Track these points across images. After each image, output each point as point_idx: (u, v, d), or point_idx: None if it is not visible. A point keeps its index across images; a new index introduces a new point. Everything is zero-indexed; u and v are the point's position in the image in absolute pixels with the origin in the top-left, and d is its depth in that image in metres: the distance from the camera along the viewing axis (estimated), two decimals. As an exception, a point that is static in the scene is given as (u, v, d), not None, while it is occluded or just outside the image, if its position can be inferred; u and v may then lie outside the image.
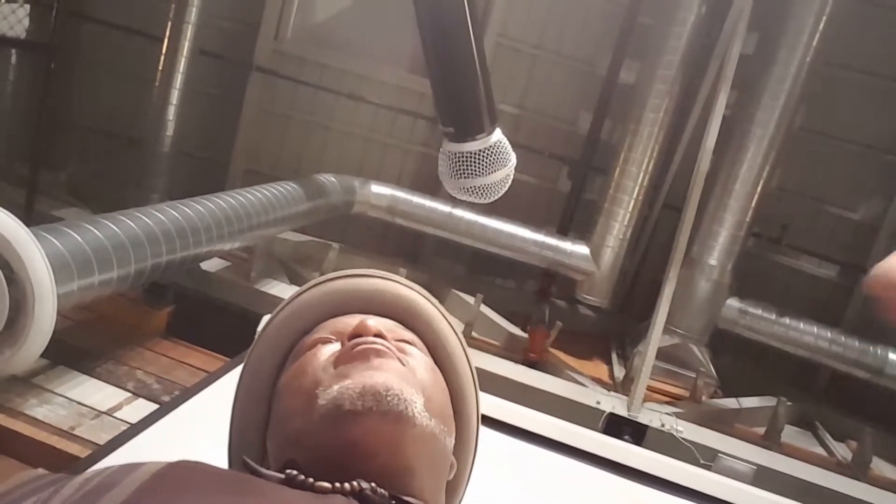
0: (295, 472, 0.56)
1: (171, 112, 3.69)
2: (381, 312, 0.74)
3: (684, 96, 3.60)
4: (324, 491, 0.54)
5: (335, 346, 0.68)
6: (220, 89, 4.38)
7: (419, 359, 0.69)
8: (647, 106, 3.57)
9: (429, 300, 0.79)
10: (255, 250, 3.27)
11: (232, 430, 0.77)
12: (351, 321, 0.70)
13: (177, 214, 2.24)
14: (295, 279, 3.46)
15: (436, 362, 0.73)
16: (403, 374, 0.64)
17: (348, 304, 0.75)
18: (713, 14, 3.47)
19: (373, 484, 0.56)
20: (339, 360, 0.65)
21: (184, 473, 0.52)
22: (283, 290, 3.28)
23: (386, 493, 0.56)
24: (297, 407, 0.64)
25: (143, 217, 2.09)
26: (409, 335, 0.73)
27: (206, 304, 3.15)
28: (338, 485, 0.55)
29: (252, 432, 0.72)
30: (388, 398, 0.60)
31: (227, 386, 1.50)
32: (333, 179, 3.48)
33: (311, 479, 0.55)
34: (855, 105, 3.90)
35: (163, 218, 2.16)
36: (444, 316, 0.79)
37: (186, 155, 3.99)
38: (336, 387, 0.61)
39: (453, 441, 0.69)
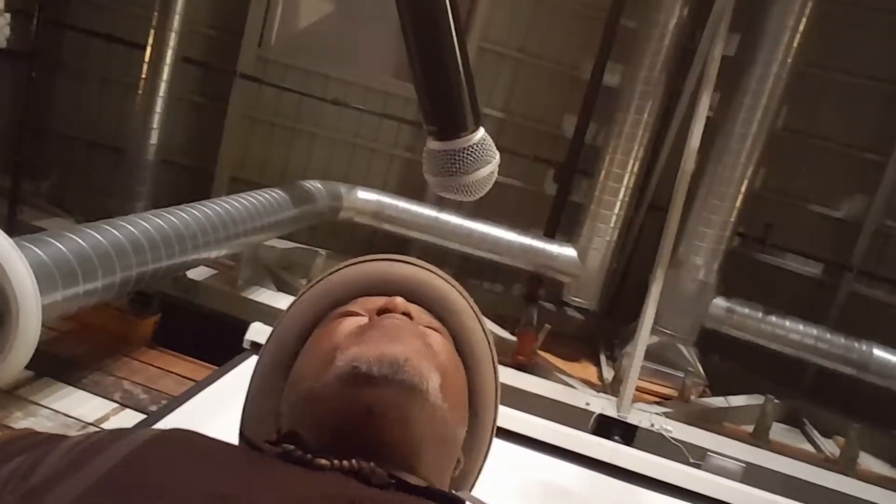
0: (293, 447, 0.55)
1: (155, 120, 3.67)
2: (413, 299, 0.72)
3: (668, 98, 3.63)
4: (321, 468, 0.53)
5: (362, 320, 0.68)
6: (204, 97, 4.37)
7: (441, 342, 0.68)
8: (630, 108, 3.59)
9: (463, 295, 0.78)
10: (241, 258, 3.26)
11: (247, 402, 0.76)
12: (381, 300, 0.70)
13: (161, 223, 2.22)
14: (282, 286, 3.45)
15: (461, 357, 0.72)
16: (423, 352, 0.63)
17: (382, 287, 0.74)
18: (695, 16, 3.50)
19: (372, 464, 0.55)
20: (363, 330, 0.64)
21: (176, 442, 0.52)
22: (269, 297, 3.26)
23: (385, 474, 0.55)
24: (314, 367, 0.63)
25: (128, 226, 2.08)
26: (437, 324, 0.72)
27: (192, 312, 3.13)
28: (336, 462, 0.54)
29: (268, 402, 0.71)
30: (406, 368, 0.59)
31: (217, 393, 1.49)
32: (319, 186, 3.47)
33: (309, 455, 0.54)
34: (835, 104, 3.94)
35: (147, 226, 2.14)
36: (476, 314, 0.78)
37: (171, 163, 3.97)
38: (354, 349, 0.60)
39: (464, 434, 0.68)
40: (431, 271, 0.78)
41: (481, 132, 0.88)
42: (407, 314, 0.67)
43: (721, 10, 3.24)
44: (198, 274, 3.29)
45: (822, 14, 3.30)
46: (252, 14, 4.26)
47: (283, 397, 0.67)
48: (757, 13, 3.35)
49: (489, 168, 0.87)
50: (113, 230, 2.00)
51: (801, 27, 3.28)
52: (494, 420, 0.77)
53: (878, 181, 3.91)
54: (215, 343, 1.91)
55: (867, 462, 3.21)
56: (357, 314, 0.68)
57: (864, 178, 3.98)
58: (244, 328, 1.68)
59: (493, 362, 0.77)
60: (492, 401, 0.76)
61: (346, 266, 0.78)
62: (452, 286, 0.78)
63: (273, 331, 0.77)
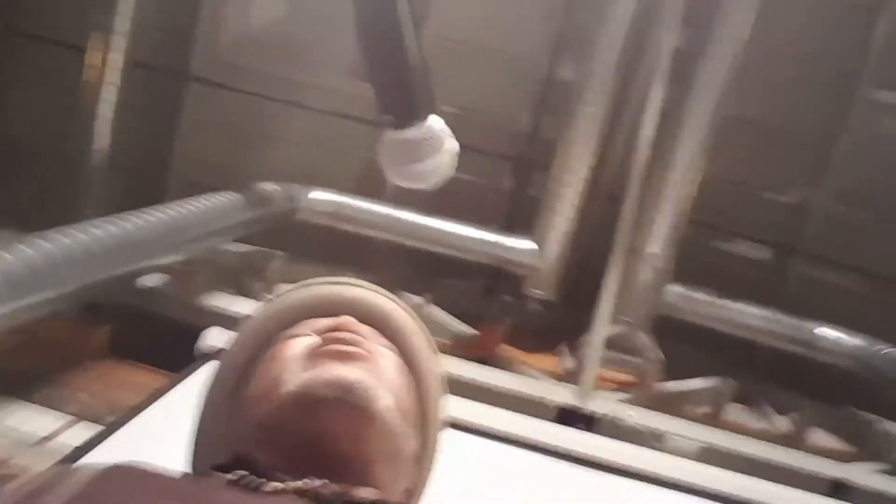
0: (244, 473, 0.55)
1: (104, 126, 3.59)
2: (361, 320, 0.75)
3: (622, 90, 3.67)
4: (273, 491, 0.54)
5: (312, 341, 0.69)
6: (155, 101, 4.28)
7: (391, 361, 0.70)
8: (584, 101, 3.63)
9: (409, 314, 0.82)
10: (196, 263, 3.21)
11: (198, 430, 0.76)
12: (330, 321, 0.72)
13: (113, 229, 2.18)
14: (240, 290, 3.40)
15: (409, 374, 0.74)
16: (374, 372, 0.66)
17: (329, 309, 0.77)
18: (646, 9, 3.55)
19: (325, 480, 0.56)
20: (313, 352, 0.65)
21: (121, 479, 0.51)
22: (228, 302, 3.22)
23: (339, 490, 0.56)
24: (265, 392, 0.64)
25: (77, 233, 2.03)
26: (385, 342, 0.74)
27: (148, 320, 3.07)
28: (289, 484, 0.55)
29: (218, 428, 0.72)
30: (357, 391, 0.61)
31: (173, 401, 1.47)
32: (276, 187, 3.44)
33: (261, 479, 0.55)
34: (782, 93, 4.04)
35: (98, 233, 2.10)
36: (422, 332, 0.81)
37: (122, 170, 3.88)
38: (306, 374, 0.62)
39: (415, 447, 0.70)
40: (377, 292, 0.81)
41: (435, 121, 0.90)
42: (356, 334, 0.68)
43: (672, 3, 3.29)
44: (152, 281, 3.23)
45: (771, 4, 3.38)
46: (204, 15, 4.18)
47: (234, 423, 0.68)
48: (707, 5, 3.41)
49: (443, 156, 0.89)
50: (62, 238, 1.96)
51: (751, 18, 3.37)
52: (440, 431, 0.80)
53: (824, 167, 4.02)
54: (172, 351, 1.88)
55: (818, 438, 3.32)
56: (306, 335, 0.69)
57: (810, 164, 4.09)
58: (201, 334, 1.67)
59: (439, 378, 0.80)
60: (438, 414, 0.79)
61: (292, 290, 0.80)
62: (398, 305, 0.82)
63: (221, 357, 0.78)
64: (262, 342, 0.73)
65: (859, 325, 3.63)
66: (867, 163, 3.99)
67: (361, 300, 0.78)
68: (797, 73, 4.00)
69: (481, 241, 3.75)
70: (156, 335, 2.97)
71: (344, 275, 0.83)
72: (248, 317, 0.80)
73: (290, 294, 0.78)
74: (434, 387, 0.77)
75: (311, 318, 0.74)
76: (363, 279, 0.81)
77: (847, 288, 4.04)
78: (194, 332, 1.67)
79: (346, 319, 0.69)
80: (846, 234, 4.04)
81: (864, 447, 3.30)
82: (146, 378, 2.77)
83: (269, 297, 0.82)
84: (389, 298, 0.80)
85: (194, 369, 1.55)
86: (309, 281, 0.81)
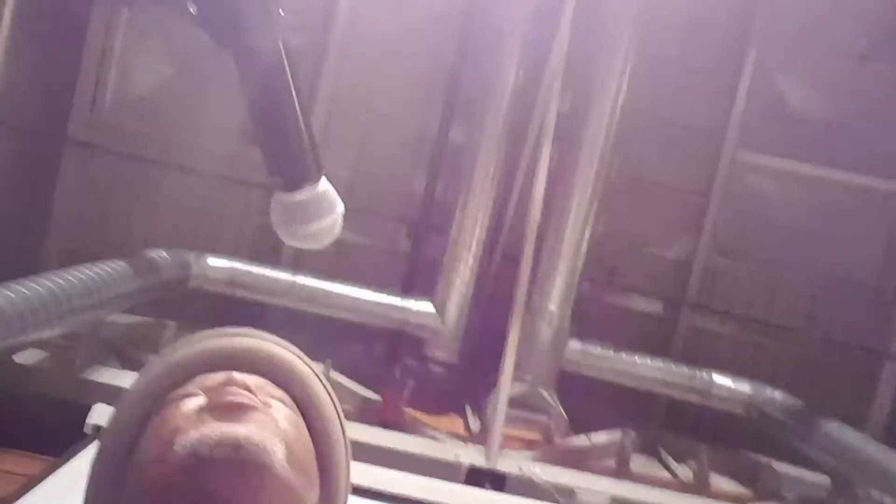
0: None
1: (-28, 193, 3.36)
2: (252, 371, 0.72)
3: (512, 152, 3.81)
4: None
5: (201, 400, 0.65)
6: (30, 165, 4.04)
7: (283, 412, 0.68)
8: (477, 163, 3.74)
9: (304, 360, 0.78)
10: (79, 336, 3.00)
11: (86, 498, 0.71)
12: (219, 377, 0.68)
13: (-18, 302, 2.01)
14: (127, 363, 3.20)
15: (307, 422, 0.72)
16: (266, 424, 0.63)
17: (220, 363, 0.73)
18: (530, 76, 3.72)
19: None
20: (202, 411, 0.63)
21: None
22: (113, 375, 3.02)
23: None
24: (154, 455, 0.61)
25: (-59, 308, 1.85)
26: (278, 393, 0.71)
27: (23, 400, 2.82)
28: None
29: (107, 495, 0.67)
30: (248, 447, 0.59)
31: (54, 488, 1.34)
32: (165, 255, 3.29)
33: None
34: (660, 152, 4.30)
35: (-35, 307, 1.93)
36: (318, 377, 0.78)
37: (-9, 239, 3.62)
38: (195, 434, 0.59)
39: (316, 498, 0.68)
40: (268, 340, 0.78)
41: (324, 183, 0.91)
42: (246, 388, 0.65)
43: (553, 70, 3.48)
44: (26, 358, 2.99)
45: (641, 73, 3.63)
46: (83, 77, 4.04)
47: (125, 493, 0.64)
48: (585, 73, 3.63)
49: (333, 217, 0.91)
50: (-78, 314, 1.78)
51: (624, 85, 3.61)
52: (347, 477, 0.78)
53: (701, 221, 4.28)
54: (53, 432, 1.73)
55: (717, 482, 3.42)
56: (196, 394, 0.67)
57: (690, 220, 4.34)
58: (85, 412, 1.55)
59: (341, 421, 0.78)
60: (343, 459, 0.77)
61: (181, 347, 0.76)
62: (293, 353, 0.79)
63: (109, 420, 0.74)
64: (151, 403, 0.69)
65: (743, 368, 3.84)
66: (739, 217, 4.29)
67: (253, 350, 0.75)
68: (669, 134, 4.28)
69: (381, 304, 3.73)
70: (34, 416, 2.73)
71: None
72: (135, 378, 0.75)
73: (178, 351, 0.75)
74: (335, 431, 0.75)
75: (200, 373, 0.71)
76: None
77: (730, 335, 4.26)
78: (77, 410, 1.54)
79: (236, 375, 0.67)
80: (728, 285, 4.29)
81: (762, 488, 3.44)
82: (21, 463, 2.53)
83: (156, 357, 0.78)
84: (283, 346, 0.78)
85: (80, 449, 1.42)
86: (198, 334, 0.78)
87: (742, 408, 3.60)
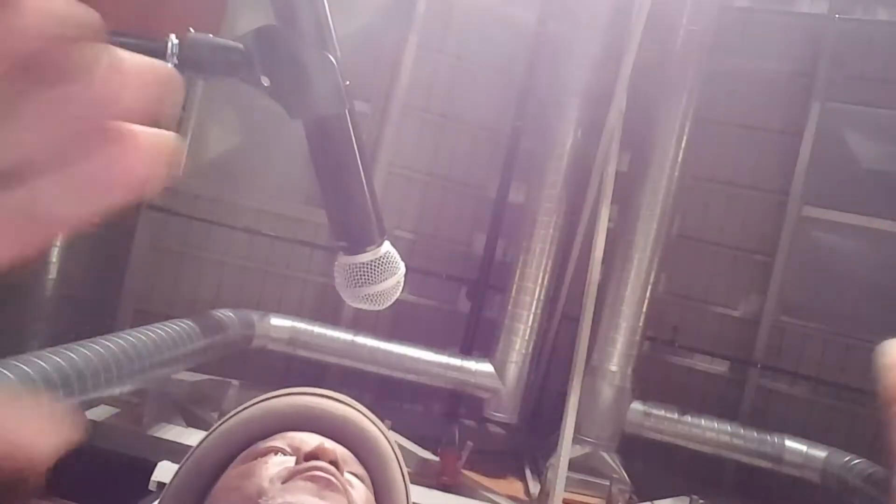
0: None
1: (54, 254, 3.54)
2: (340, 440, 0.73)
3: (571, 212, 3.82)
4: None
5: (288, 460, 0.67)
6: (107, 228, 4.25)
7: (362, 494, 0.69)
8: (536, 223, 3.75)
9: (388, 440, 0.79)
10: (147, 393, 3.09)
11: None
12: (310, 440, 0.69)
13: (59, 360, 2.10)
14: (192, 421, 3.27)
15: (377, 502, 0.73)
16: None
17: (311, 423, 0.74)
18: (589, 136, 3.75)
19: None
20: (290, 477, 0.63)
21: None
22: (178, 433, 3.08)
23: None
24: None
25: (21, 365, 1.95)
26: (360, 470, 0.72)
27: (93, 455, 2.91)
28: None
29: None
30: None
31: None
32: (231, 314, 3.39)
33: None
34: (722, 212, 4.24)
35: (43, 365, 2.02)
36: (398, 460, 0.79)
37: (70, 298, 3.79)
38: (281, 500, 0.60)
39: None
40: (357, 409, 0.79)
41: (387, 246, 0.95)
42: (334, 462, 0.66)
43: (611, 131, 3.50)
44: (97, 414, 3.08)
45: (700, 133, 3.62)
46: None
47: None
48: (643, 133, 3.63)
49: (395, 278, 0.94)
50: (3, 371, 1.88)
51: (683, 144, 3.59)
52: None
53: (767, 279, 4.16)
54: (121, 487, 1.78)
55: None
56: (282, 451, 0.68)
57: (755, 278, 4.23)
58: (151, 468, 1.58)
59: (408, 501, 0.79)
60: None
61: (267, 398, 0.77)
62: (380, 429, 0.79)
63: (181, 465, 0.74)
64: (230, 451, 0.70)
65: (815, 433, 3.65)
66: (807, 274, 4.15)
67: (341, 417, 0.75)
68: (736, 193, 4.22)
69: (440, 364, 3.72)
70: (101, 471, 2.80)
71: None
72: (217, 423, 0.76)
73: (265, 403, 0.75)
74: None
75: (287, 430, 0.71)
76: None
77: (801, 397, 4.08)
78: (144, 467, 1.58)
79: (328, 446, 0.67)
80: (797, 345, 4.14)
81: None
82: (88, 519, 2.58)
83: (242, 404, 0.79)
84: (368, 418, 0.77)
85: (144, 505, 1.45)
86: (284, 390, 0.79)
87: (817, 475, 3.40)
